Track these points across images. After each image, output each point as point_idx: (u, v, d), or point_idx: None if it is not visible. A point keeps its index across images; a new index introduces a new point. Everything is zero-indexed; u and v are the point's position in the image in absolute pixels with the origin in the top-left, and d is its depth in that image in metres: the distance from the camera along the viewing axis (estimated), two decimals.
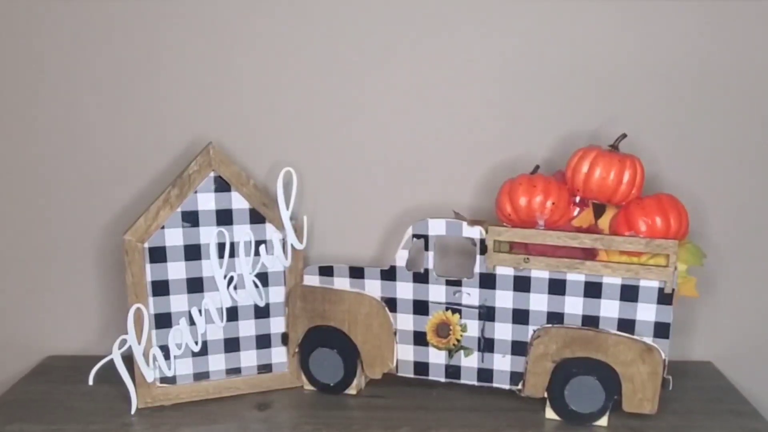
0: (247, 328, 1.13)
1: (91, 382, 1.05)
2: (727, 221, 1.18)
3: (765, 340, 1.22)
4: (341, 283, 1.10)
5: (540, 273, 1.02)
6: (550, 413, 1.05)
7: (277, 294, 1.13)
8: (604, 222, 1.02)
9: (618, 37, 1.12)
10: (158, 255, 1.07)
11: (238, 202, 1.09)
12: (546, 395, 1.05)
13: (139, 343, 1.06)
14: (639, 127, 1.11)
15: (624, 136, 1.02)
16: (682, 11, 1.10)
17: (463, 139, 1.16)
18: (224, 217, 1.09)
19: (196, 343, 1.10)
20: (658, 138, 1.14)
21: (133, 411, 1.08)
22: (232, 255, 1.10)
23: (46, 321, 1.25)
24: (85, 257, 1.22)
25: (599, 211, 1.02)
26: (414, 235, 1.05)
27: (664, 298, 0.98)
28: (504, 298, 1.04)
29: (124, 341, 1.06)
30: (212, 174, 1.08)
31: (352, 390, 1.13)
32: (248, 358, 1.14)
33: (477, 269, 1.04)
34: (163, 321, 1.09)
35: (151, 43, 1.14)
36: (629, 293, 0.99)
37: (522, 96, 1.14)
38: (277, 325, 1.14)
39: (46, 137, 1.17)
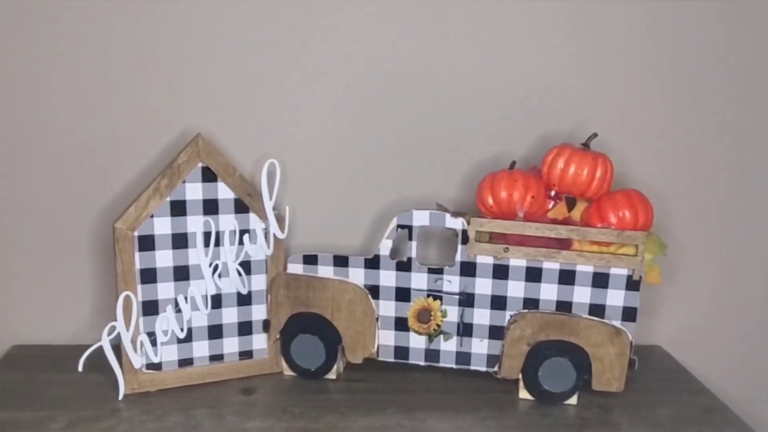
0: (230, 315, 1.24)
1: (80, 369, 1.15)
2: (685, 215, 1.36)
3: (710, 325, 1.41)
4: (325, 271, 1.22)
5: (518, 261, 1.16)
6: (523, 393, 1.20)
7: (259, 282, 1.24)
8: (576, 214, 1.17)
9: (589, 45, 1.28)
10: (147, 243, 1.17)
11: (224, 192, 1.20)
12: (520, 376, 1.20)
13: (128, 330, 1.16)
14: (607, 128, 1.27)
15: (595, 135, 1.18)
16: (652, 16, 1.27)
17: (446, 136, 1.30)
18: (210, 207, 1.19)
19: (182, 329, 1.20)
20: (623, 138, 1.30)
21: (120, 397, 1.17)
22: (217, 244, 1.20)
23: (15, 311, 1.33)
24: (66, 247, 1.31)
25: (571, 204, 1.17)
26: (398, 226, 1.18)
27: (632, 284, 1.15)
28: (483, 285, 1.18)
29: (113, 328, 1.15)
30: (200, 165, 1.18)
31: (331, 375, 1.25)
32: (230, 344, 1.25)
33: (458, 258, 1.18)
34: (151, 308, 1.19)
35: (144, 40, 1.23)
36: (600, 280, 1.15)
37: (500, 98, 1.29)
38: (258, 312, 1.25)
39: (41, 128, 1.25)
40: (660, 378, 1.30)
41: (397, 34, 1.26)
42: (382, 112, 1.29)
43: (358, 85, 1.28)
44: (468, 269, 1.18)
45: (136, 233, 1.16)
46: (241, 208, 1.21)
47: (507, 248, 1.16)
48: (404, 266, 1.20)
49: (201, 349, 1.23)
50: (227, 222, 1.21)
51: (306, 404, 1.18)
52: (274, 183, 1.21)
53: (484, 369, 1.22)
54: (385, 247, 1.20)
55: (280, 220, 1.23)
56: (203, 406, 1.16)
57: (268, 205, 1.21)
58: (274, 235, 1.23)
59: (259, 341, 1.27)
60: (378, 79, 1.28)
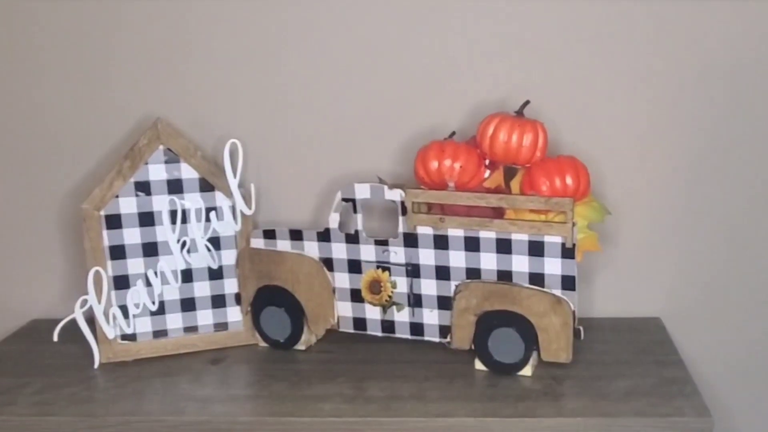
0: (202, 288, 1.41)
1: (55, 339, 1.35)
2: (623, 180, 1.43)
3: (709, 295, 1.46)
4: (283, 245, 1.37)
5: (456, 231, 1.27)
6: (478, 364, 1.30)
7: (229, 257, 1.41)
8: (516, 183, 1.26)
9: (526, 18, 1.38)
10: (114, 222, 1.36)
11: (187, 172, 1.38)
12: (473, 347, 1.31)
13: (99, 303, 1.35)
14: (543, 95, 1.36)
15: (527, 102, 1.27)
16: None
17: (389, 112, 1.43)
18: (175, 186, 1.37)
19: (153, 302, 1.39)
20: (559, 105, 1.39)
21: (96, 366, 1.38)
22: (184, 221, 1.38)
23: (29, 286, 1.57)
24: (50, 227, 1.54)
25: (511, 173, 1.26)
26: (343, 199, 1.32)
27: (567, 252, 1.22)
28: (426, 256, 1.30)
29: (85, 301, 1.35)
30: (161, 147, 1.36)
31: (301, 346, 1.41)
32: (204, 316, 1.43)
33: (401, 229, 1.30)
34: (121, 282, 1.38)
35: (111, 31, 1.44)
36: (536, 248, 1.24)
37: (438, 70, 1.41)
38: (230, 285, 1.42)
39: (14, 117, 1.49)
40: (638, 350, 1.36)
41: (339, 17, 1.40)
42: (328, 93, 1.44)
43: (307, 71, 1.43)
44: (411, 240, 1.30)
45: (102, 212, 1.36)
46: (206, 186, 1.39)
47: (442, 218, 1.26)
48: (353, 238, 1.33)
49: (174, 321, 1.42)
50: (193, 200, 1.38)
51: (263, 373, 1.34)
52: (237, 162, 1.37)
53: (437, 340, 1.33)
54: (333, 221, 1.34)
55: (246, 196, 1.39)
56: (167, 375, 1.34)
57: (233, 183, 1.37)
58: (241, 212, 1.39)
59: (234, 313, 1.44)
60: (324, 61, 1.42)
